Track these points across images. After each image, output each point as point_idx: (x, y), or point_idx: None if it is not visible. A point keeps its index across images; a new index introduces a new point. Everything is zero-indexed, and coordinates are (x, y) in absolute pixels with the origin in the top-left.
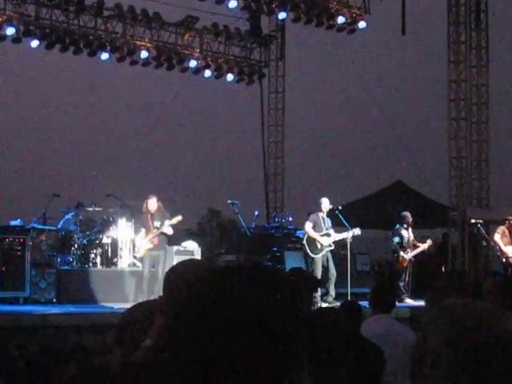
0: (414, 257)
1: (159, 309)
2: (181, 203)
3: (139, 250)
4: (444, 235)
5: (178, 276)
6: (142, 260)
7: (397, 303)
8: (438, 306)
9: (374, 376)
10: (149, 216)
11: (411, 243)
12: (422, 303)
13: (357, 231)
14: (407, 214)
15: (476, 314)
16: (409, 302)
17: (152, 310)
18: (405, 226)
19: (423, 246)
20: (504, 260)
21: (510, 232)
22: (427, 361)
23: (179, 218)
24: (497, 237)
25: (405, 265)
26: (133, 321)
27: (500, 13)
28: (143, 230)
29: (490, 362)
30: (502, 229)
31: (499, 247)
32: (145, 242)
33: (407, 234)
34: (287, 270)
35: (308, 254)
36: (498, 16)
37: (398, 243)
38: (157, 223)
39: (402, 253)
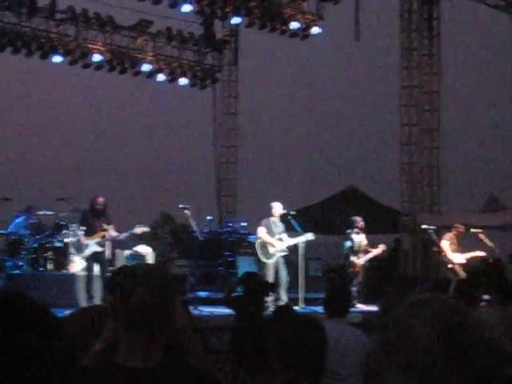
0: (367, 262)
1: (109, 313)
2: (133, 207)
3: (83, 251)
4: (396, 240)
5: (131, 280)
6: (87, 261)
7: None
8: (415, 299)
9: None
10: (95, 216)
11: (363, 248)
12: (374, 308)
13: (310, 236)
14: (357, 219)
15: (459, 311)
16: (360, 306)
17: (99, 315)
18: (355, 230)
19: (376, 251)
20: (449, 266)
21: (457, 239)
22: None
23: (145, 229)
24: (444, 243)
25: (356, 269)
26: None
27: (452, 20)
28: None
29: (477, 358)
30: (449, 236)
31: (445, 254)
32: (92, 243)
33: (358, 238)
34: (241, 274)
35: (260, 258)
36: (450, 23)
37: (350, 247)
38: (104, 225)
39: (353, 257)
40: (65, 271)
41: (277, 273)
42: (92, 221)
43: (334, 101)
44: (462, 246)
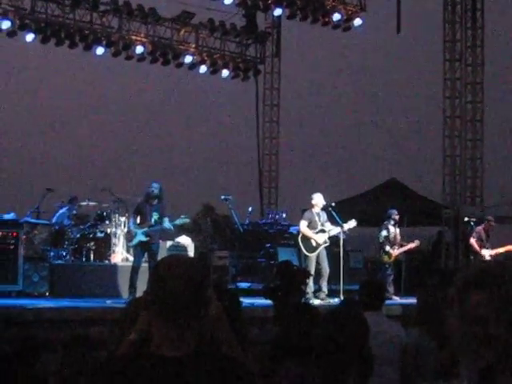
0: (408, 254)
1: (143, 304)
2: (176, 198)
3: (131, 239)
4: (439, 233)
5: (166, 271)
6: (134, 250)
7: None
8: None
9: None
10: (147, 205)
11: (397, 240)
12: (413, 300)
13: (352, 223)
14: (394, 211)
15: None
16: (395, 298)
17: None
18: (392, 222)
19: (410, 245)
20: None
21: (486, 233)
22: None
23: (187, 220)
24: (472, 241)
25: (391, 260)
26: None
27: (496, 11)
28: (138, 219)
29: None
30: (478, 229)
31: (475, 250)
32: (139, 233)
33: (393, 229)
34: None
35: (303, 251)
36: (493, 15)
37: (386, 237)
38: (155, 216)
39: (388, 247)
40: (106, 262)
41: (319, 264)
42: (144, 209)
43: (375, 93)
44: (505, 237)
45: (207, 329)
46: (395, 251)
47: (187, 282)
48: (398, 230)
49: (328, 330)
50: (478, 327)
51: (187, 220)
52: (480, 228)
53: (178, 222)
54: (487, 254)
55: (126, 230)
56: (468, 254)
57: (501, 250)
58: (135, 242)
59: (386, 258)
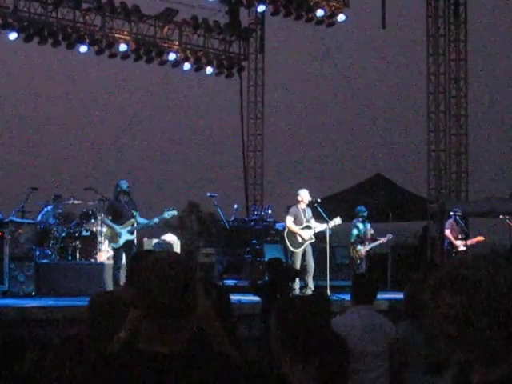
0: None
1: (131, 302)
2: (160, 195)
3: (117, 240)
4: (424, 228)
5: (148, 268)
6: (117, 251)
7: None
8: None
9: (340, 366)
10: (121, 203)
11: (368, 236)
12: (399, 295)
13: (337, 220)
14: (362, 208)
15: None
16: None
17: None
18: (360, 219)
19: (382, 240)
20: (454, 254)
21: (458, 225)
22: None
23: (174, 212)
24: (447, 232)
25: (362, 257)
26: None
27: (479, 6)
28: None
29: None
30: (450, 223)
31: (450, 241)
32: (124, 232)
33: (362, 226)
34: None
35: (288, 247)
36: (476, 9)
37: (357, 235)
38: (135, 213)
39: (359, 245)
40: (93, 260)
41: (304, 260)
42: (121, 208)
43: (360, 88)
44: (489, 231)
45: (196, 324)
46: (365, 247)
47: (172, 282)
48: (368, 226)
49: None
50: (452, 327)
51: (175, 212)
52: (451, 221)
53: (166, 214)
54: (461, 244)
55: (108, 230)
56: (449, 248)
57: (471, 241)
58: (122, 242)
59: (356, 255)
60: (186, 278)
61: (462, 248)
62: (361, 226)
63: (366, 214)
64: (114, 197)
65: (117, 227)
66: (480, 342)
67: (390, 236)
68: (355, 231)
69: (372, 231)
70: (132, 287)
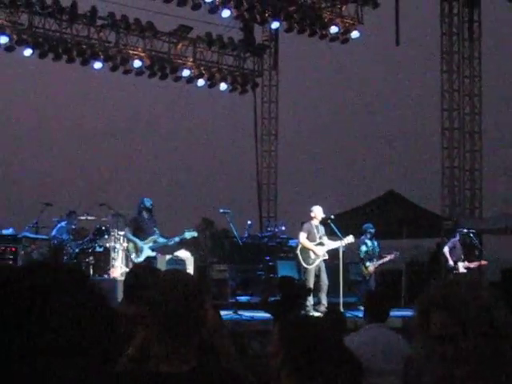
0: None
1: (140, 321)
2: (175, 212)
3: (139, 255)
4: (438, 245)
5: (157, 287)
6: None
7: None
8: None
9: None
10: (144, 219)
11: (376, 253)
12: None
13: (350, 239)
14: (369, 225)
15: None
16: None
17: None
18: (368, 236)
19: (389, 257)
20: (454, 274)
21: (463, 246)
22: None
23: (195, 234)
24: (445, 249)
25: (371, 273)
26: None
27: (493, 23)
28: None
29: None
30: (453, 242)
31: (446, 258)
32: (146, 248)
33: (371, 243)
34: (278, 277)
35: (301, 263)
36: (490, 26)
37: (366, 252)
38: (156, 230)
39: (368, 262)
40: (106, 276)
41: (317, 277)
42: (144, 223)
43: (374, 105)
44: (502, 248)
45: (205, 341)
46: (374, 264)
47: (182, 300)
48: (376, 243)
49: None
50: (445, 346)
51: (195, 234)
52: (455, 240)
53: (187, 235)
54: (461, 266)
55: (130, 244)
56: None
57: (472, 265)
58: (143, 257)
59: (365, 272)
60: (196, 296)
61: (462, 270)
62: (369, 242)
63: (373, 230)
64: (138, 212)
65: (139, 242)
66: (471, 359)
67: (395, 253)
68: (364, 248)
69: (378, 249)
70: (135, 304)
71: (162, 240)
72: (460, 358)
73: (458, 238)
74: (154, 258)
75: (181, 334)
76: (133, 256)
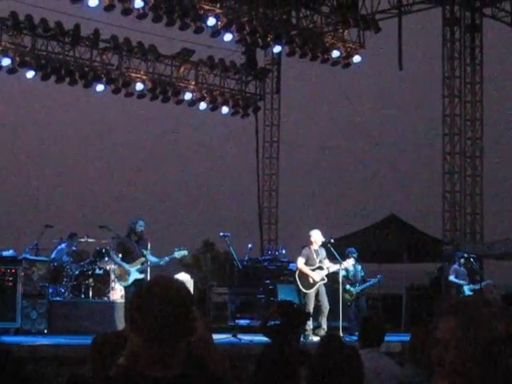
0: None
1: (131, 328)
2: (176, 235)
3: (126, 279)
4: (439, 269)
5: (149, 296)
6: (127, 290)
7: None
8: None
9: None
10: (132, 242)
11: (359, 277)
12: None
13: (350, 261)
14: (352, 250)
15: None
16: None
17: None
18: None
19: (372, 280)
20: None
21: (467, 269)
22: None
23: (185, 252)
24: (452, 278)
25: (352, 298)
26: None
27: (494, 48)
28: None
29: None
30: (454, 269)
31: (457, 285)
32: (133, 270)
33: (353, 268)
34: (277, 302)
35: (300, 288)
36: (492, 51)
37: (344, 276)
38: (145, 252)
39: (348, 286)
40: (105, 298)
41: (318, 301)
42: (132, 246)
43: (375, 129)
44: (503, 274)
45: (194, 347)
46: (356, 289)
47: (172, 306)
48: (359, 267)
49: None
50: (444, 350)
51: (185, 252)
52: (455, 266)
53: (177, 254)
54: (467, 289)
55: (117, 269)
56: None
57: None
58: (130, 281)
59: (347, 296)
60: (186, 302)
61: (468, 293)
62: (351, 267)
63: (355, 255)
64: (127, 234)
65: (126, 266)
66: (469, 367)
67: (379, 277)
68: (343, 272)
69: (363, 273)
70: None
71: (152, 259)
72: (456, 366)
73: (457, 263)
74: (142, 279)
75: (169, 341)
76: (120, 280)
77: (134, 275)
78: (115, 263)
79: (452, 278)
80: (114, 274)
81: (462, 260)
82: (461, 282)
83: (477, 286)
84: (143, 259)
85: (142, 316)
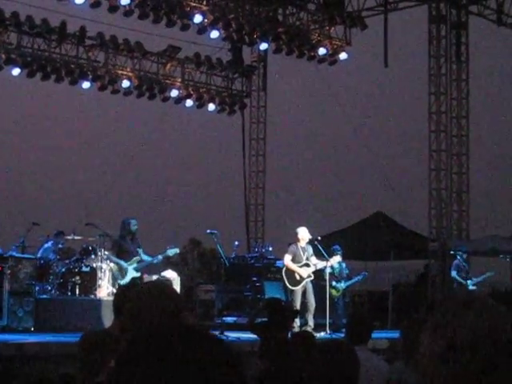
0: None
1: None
2: (162, 232)
3: (124, 276)
4: (425, 266)
5: (138, 294)
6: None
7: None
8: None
9: None
10: (127, 241)
11: (344, 274)
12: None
13: (337, 258)
14: (336, 247)
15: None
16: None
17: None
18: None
19: (357, 278)
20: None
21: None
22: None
23: (177, 250)
24: (454, 273)
25: (338, 294)
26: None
27: (480, 46)
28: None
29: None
30: (456, 264)
31: (459, 282)
32: (130, 269)
33: (338, 265)
34: (265, 299)
35: (287, 285)
36: (478, 49)
37: (330, 273)
38: (140, 250)
39: (334, 282)
40: (92, 296)
41: (305, 298)
42: (127, 245)
43: (362, 126)
44: (489, 270)
45: None
46: (341, 285)
47: (161, 306)
48: (344, 265)
49: (319, 366)
50: (432, 362)
51: (177, 250)
52: (457, 262)
53: (169, 252)
54: (470, 284)
55: (115, 266)
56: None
57: (479, 278)
58: (128, 278)
59: (334, 292)
60: (174, 303)
61: (471, 287)
62: (336, 264)
63: (340, 252)
64: (120, 235)
65: (124, 263)
66: (458, 378)
67: (364, 274)
68: (329, 269)
69: (347, 270)
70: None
71: (146, 258)
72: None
73: (458, 259)
74: (140, 278)
75: None
76: (118, 278)
77: (131, 273)
78: (112, 262)
79: (454, 273)
80: (112, 271)
81: (465, 255)
82: (461, 280)
83: (480, 279)
84: (138, 258)
85: (133, 316)
